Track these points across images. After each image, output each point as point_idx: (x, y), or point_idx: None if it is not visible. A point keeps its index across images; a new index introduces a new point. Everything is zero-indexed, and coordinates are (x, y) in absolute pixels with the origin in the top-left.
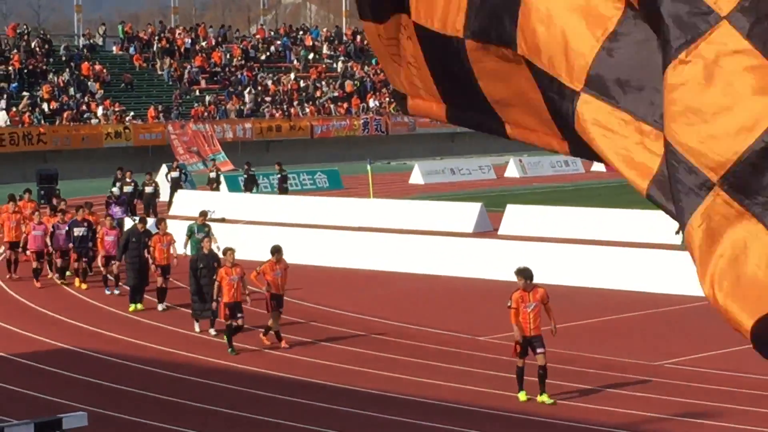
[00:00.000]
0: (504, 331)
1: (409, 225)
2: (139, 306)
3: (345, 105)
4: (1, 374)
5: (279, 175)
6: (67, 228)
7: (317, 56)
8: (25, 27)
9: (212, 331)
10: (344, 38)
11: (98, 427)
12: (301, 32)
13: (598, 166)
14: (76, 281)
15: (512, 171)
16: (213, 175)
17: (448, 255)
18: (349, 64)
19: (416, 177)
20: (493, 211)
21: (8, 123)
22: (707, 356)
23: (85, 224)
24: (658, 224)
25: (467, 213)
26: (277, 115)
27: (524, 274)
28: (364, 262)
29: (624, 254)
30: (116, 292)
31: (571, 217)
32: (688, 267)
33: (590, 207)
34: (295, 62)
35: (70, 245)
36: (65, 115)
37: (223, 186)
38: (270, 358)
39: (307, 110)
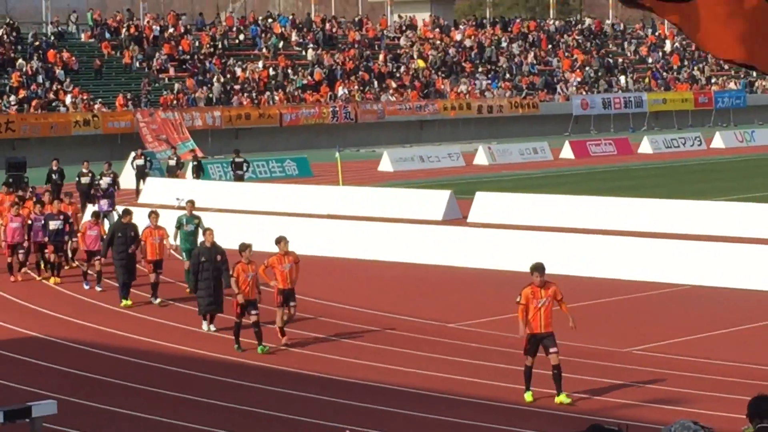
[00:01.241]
0: (473, 318)
1: (379, 212)
2: (128, 302)
3: (314, 93)
4: None
5: (233, 161)
6: (42, 221)
7: (286, 44)
8: None
9: (212, 327)
10: (313, 26)
11: (68, 415)
12: (269, 20)
13: (566, 153)
14: (52, 279)
15: (481, 158)
16: (173, 163)
17: (417, 242)
18: (318, 52)
19: (385, 164)
20: (463, 198)
21: None
22: (676, 342)
23: (61, 217)
24: (627, 211)
25: (436, 200)
26: (246, 103)
27: (540, 269)
28: (333, 249)
29: (592, 241)
30: (98, 288)
31: (540, 205)
32: (655, 254)
33: (558, 194)
34: (264, 50)
35: (45, 239)
36: (33, 103)
37: (190, 174)
38: (245, 348)
39: (276, 98)
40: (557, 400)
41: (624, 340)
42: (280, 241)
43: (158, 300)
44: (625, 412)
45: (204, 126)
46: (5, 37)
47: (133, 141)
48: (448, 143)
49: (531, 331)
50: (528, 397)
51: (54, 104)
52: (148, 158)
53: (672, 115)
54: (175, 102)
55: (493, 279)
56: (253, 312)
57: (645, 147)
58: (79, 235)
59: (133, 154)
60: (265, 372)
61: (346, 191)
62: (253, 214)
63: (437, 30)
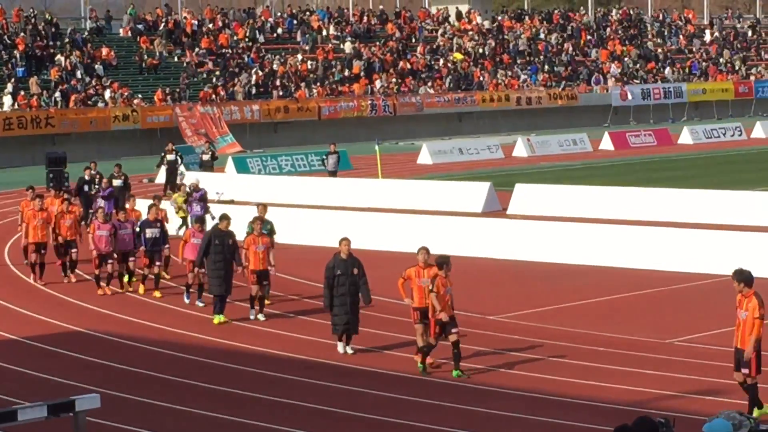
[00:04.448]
0: (512, 310)
1: (418, 205)
2: (223, 318)
3: (357, 90)
4: (13, 357)
5: (335, 155)
6: (137, 229)
7: (324, 37)
8: (31, 10)
9: (349, 350)
10: (351, 19)
11: (111, 408)
12: (307, 13)
13: (606, 144)
14: (141, 288)
15: (520, 150)
16: (206, 157)
17: (457, 235)
18: (356, 45)
19: (424, 157)
20: (502, 190)
21: (16, 107)
22: (718, 333)
23: (158, 225)
24: (667, 202)
25: (476, 193)
26: (285, 96)
27: (735, 276)
28: (373, 242)
29: (632, 232)
30: (200, 303)
31: (580, 196)
32: (696, 245)
33: (598, 186)
34: (302, 43)
35: (141, 248)
36: (73, 98)
37: (231, 167)
38: (288, 340)
39: (315, 91)
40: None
41: (665, 331)
42: (420, 251)
43: (261, 316)
44: (669, 403)
45: (242, 120)
46: (44, 32)
47: (173, 135)
48: (486, 135)
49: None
50: (756, 413)
51: (93, 99)
52: (180, 153)
53: (712, 106)
54: (213, 96)
55: (533, 271)
56: (454, 331)
57: (685, 137)
58: (181, 243)
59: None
60: (299, 364)
61: (385, 184)
62: (292, 207)
63: (475, 22)
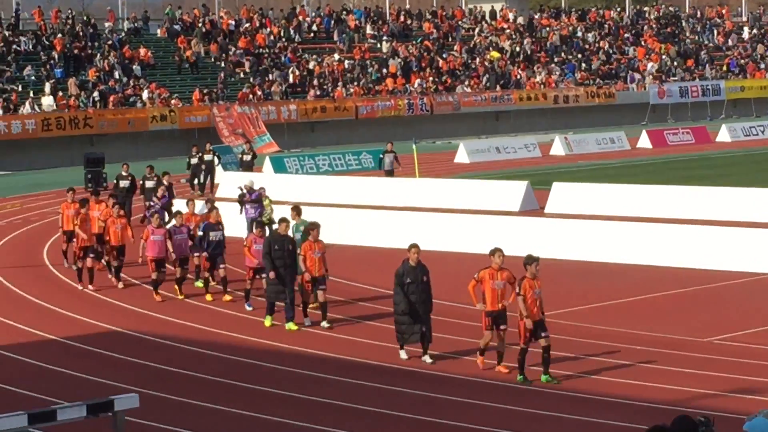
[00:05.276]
0: (550, 309)
1: (455, 204)
2: (270, 321)
3: (389, 85)
4: (52, 357)
5: (392, 154)
6: (200, 233)
7: (361, 36)
8: (69, 11)
9: (428, 359)
10: (388, 18)
11: (150, 408)
12: (344, 12)
13: (643, 143)
14: (208, 296)
15: (558, 149)
16: (247, 158)
17: (494, 234)
18: (393, 44)
19: (461, 156)
20: (540, 189)
21: (55, 107)
22: (757, 332)
23: (220, 227)
24: (705, 200)
25: (513, 191)
26: (322, 95)
27: None
28: (411, 241)
29: (671, 231)
30: (248, 308)
31: (617, 195)
32: (734, 243)
33: (636, 184)
34: (339, 43)
35: (204, 254)
36: (111, 98)
37: (269, 167)
38: (327, 339)
39: (352, 91)
40: None
41: (705, 329)
42: (495, 252)
43: (325, 323)
44: (708, 402)
45: (279, 119)
46: (81, 33)
47: (210, 135)
48: (524, 134)
49: None
50: None
51: (131, 100)
52: (217, 153)
53: (750, 103)
54: (251, 96)
55: (570, 269)
56: (543, 335)
57: (723, 135)
58: (245, 251)
59: (194, 149)
60: (339, 364)
61: (422, 183)
62: (330, 207)
63: (511, 20)
